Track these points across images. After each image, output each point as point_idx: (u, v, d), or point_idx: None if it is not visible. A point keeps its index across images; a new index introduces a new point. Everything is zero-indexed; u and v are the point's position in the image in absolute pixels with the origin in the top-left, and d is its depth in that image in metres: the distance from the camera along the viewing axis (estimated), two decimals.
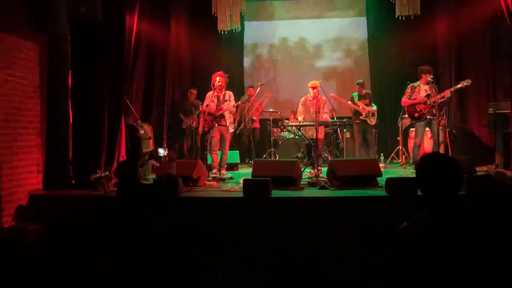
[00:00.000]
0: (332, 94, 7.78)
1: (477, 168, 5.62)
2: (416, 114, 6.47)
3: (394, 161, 7.90)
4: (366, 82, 8.57)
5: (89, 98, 5.56)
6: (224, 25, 7.54)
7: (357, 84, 7.83)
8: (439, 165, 1.84)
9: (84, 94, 5.57)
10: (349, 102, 7.77)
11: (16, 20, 4.87)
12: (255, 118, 8.54)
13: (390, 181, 4.62)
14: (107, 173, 5.12)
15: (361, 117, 7.61)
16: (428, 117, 6.40)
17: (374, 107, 7.69)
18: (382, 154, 8.18)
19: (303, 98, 6.93)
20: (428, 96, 6.36)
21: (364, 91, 7.80)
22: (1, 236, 4.45)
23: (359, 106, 7.63)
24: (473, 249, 1.70)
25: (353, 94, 7.81)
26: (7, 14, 4.72)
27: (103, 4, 5.34)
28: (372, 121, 7.66)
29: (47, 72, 5.36)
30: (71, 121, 5.63)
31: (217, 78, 6.35)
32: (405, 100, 6.63)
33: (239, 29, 7.77)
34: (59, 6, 5.31)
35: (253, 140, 8.40)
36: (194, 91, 8.19)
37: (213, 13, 7.57)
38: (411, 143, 7.63)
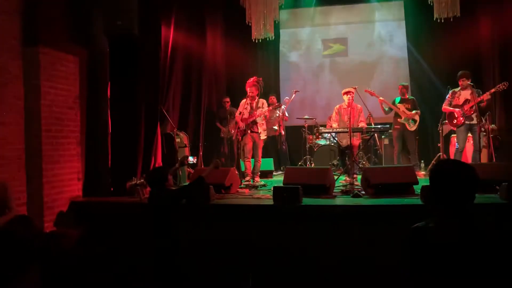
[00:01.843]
0: (367, 89, 7.54)
1: None
2: (455, 121, 6.37)
3: None
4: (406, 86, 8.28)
5: (127, 108, 5.75)
6: (259, 33, 7.63)
7: (400, 86, 7.60)
8: (452, 172, 1.82)
9: (122, 105, 5.78)
10: (381, 98, 7.37)
11: (57, 35, 5.13)
12: (276, 127, 8.49)
13: (425, 189, 4.45)
14: (142, 180, 5.25)
15: (399, 120, 7.34)
16: (466, 122, 6.23)
17: (414, 111, 7.36)
18: (422, 161, 7.90)
19: (337, 106, 6.85)
20: (466, 101, 6.19)
21: (407, 96, 7.55)
22: (42, 241, 4.66)
23: (398, 108, 7.36)
24: (480, 255, 1.69)
25: (395, 98, 7.55)
26: (49, 30, 4.99)
27: (139, 17, 5.51)
28: (412, 127, 7.33)
29: (87, 83, 5.61)
30: (110, 131, 5.86)
31: (248, 89, 6.41)
32: (445, 107, 6.57)
33: (273, 37, 7.81)
34: (97, 20, 5.54)
35: (284, 148, 8.39)
36: (228, 99, 8.32)
37: (247, 22, 7.66)
38: (452, 149, 7.34)
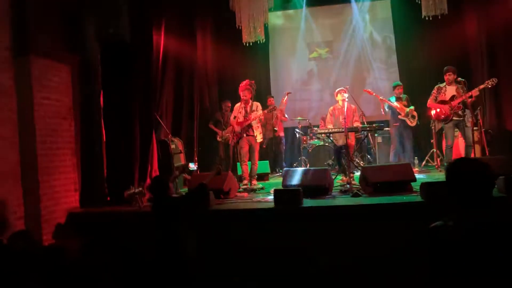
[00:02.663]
0: (365, 89, 7.60)
1: None
2: (442, 116, 6.40)
3: (429, 164, 7.69)
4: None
5: (120, 116, 5.70)
6: (249, 37, 7.62)
7: (394, 86, 7.66)
8: (469, 170, 1.84)
9: (116, 113, 5.72)
10: (381, 97, 7.43)
11: (49, 43, 5.05)
12: (276, 128, 8.50)
13: (424, 186, 4.49)
14: (140, 189, 5.19)
15: (400, 117, 7.35)
16: (454, 118, 6.27)
17: (412, 107, 7.43)
18: (416, 158, 7.97)
19: (331, 108, 6.88)
20: (452, 97, 6.24)
21: (401, 95, 7.58)
22: (42, 254, 4.58)
23: (397, 105, 7.38)
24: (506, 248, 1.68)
25: (390, 98, 7.61)
26: (40, 38, 4.91)
27: (130, 24, 5.48)
28: (412, 122, 7.33)
29: (80, 92, 5.53)
30: (104, 139, 5.79)
31: (241, 93, 6.40)
32: (430, 102, 6.57)
33: (264, 40, 7.81)
34: (88, 28, 5.48)
35: (281, 149, 8.39)
36: (229, 104, 8.27)
37: (237, 26, 7.66)
38: (445, 145, 7.40)
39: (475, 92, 6.22)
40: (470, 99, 6.26)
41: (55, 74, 5.15)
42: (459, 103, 6.24)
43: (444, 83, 6.49)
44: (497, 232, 1.71)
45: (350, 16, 9.85)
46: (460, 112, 6.25)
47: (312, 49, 10.06)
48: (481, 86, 6.21)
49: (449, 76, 6.40)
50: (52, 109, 5.06)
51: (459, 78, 6.41)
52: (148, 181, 5.51)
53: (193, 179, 5.89)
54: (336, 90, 6.87)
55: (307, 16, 9.99)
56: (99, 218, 5.02)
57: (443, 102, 6.41)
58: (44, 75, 4.97)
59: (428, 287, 1.84)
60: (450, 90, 6.38)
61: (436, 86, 6.57)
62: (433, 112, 6.51)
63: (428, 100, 6.59)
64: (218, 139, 8.17)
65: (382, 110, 7.56)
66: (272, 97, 8.74)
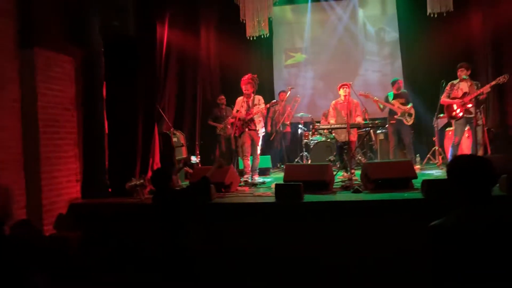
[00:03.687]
0: (360, 92, 7.60)
1: None
2: (454, 113, 6.33)
3: (431, 162, 7.69)
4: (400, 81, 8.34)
5: (123, 108, 5.71)
6: (253, 31, 7.60)
7: (392, 82, 7.65)
8: (471, 167, 1.84)
9: (118, 105, 5.73)
10: (375, 98, 7.39)
11: (53, 36, 5.06)
12: (287, 123, 8.51)
13: (426, 183, 4.50)
14: (141, 181, 5.22)
15: (396, 117, 7.35)
16: (465, 115, 6.23)
17: (410, 105, 7.43)
18: (417, 155, 7.96)
19: (333, 102, 6.87)
20: (465, 94, 6.19)
21: (400, 90, 7.59)
22: (43, 244, 4.61)
23: (393, 105, 7.37)
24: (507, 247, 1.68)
25: (388, 93, 7.61)
26: (45, 31, 4.92)
27: (134, 17, 5.47)
28: (409, 121, 7.35)
29: (83, 84, 5.54)
30: (107, 131, 5.81)
31: (243, 87, 6.39)
32: (443, 99, 6.50)
33: (268, 34, 7.79)
34: (92, 20, 5.48)
35: (284, 145, 8.38)
36: (223, 97, 8.32)
37: (241, 20, 7.64)
38: (447, 143, 7.39)
39: (486, 89, 6.14)
40: (481, 96, 6.21)
41: (58, 66, 5.16)
42: (471, 100, 6.16)
43: (458, 80, 6.43)
44: (498, 231, 1.71)
45: (353, 12, 9.80)
46: (471, 110, 6.20)
47: (314, 45, 10.03)
48: (493, 83, 6.12)
49: (461, 72, 6.31)
50: (55, 100, 5.08)
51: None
52: (150, 173, 5.53)
53: (195, 172, 5.90)
54: (339, 85, 6.86)
55: (311, 11, 9.95)
56: (100, 209, 5.05)
57: (455, 99, 6.37)
58: (48, 67, 4.98)
59: (430, 286, 1.84)
60: (463, 87, 6.32)
61: (450, 82, 6.51)
62: (454, 106, 6.38)
63: (442, 97, 6.54)
64: (218, 132, 8.19)
65: (378, 109, 7.55)
66: (284, 91, 8.67)
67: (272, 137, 8.20)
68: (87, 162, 5.56)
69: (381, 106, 7.44)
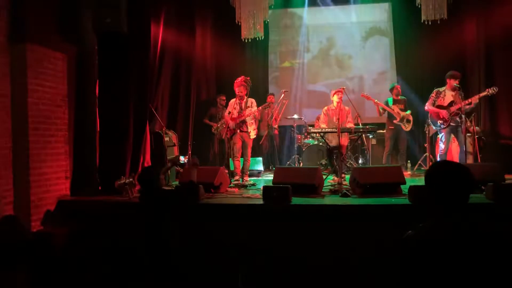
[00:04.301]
0: (362, 93, 7.62)
1: (507, 176, 5.41)
2: (440, 121, 6.30)
3: (422, 168, 7.72)
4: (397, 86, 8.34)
5: (115, 106, 5.71)
6: (248, 33, 7.64)
7: (391, 88, 7.68)
8: (447, 173, 1.84)
9: (111, 103, 5.73)
10: (376, 100, 7.44)
11: (46, 31, 5.07)
12: (275, 126, 8.52)
13: (413, 189, 4.52)
14: (131, 179, 5.22)
15: (395, 122, 7.38)
16: (451, 124, 6.23)
17: (408, 112, 7.47)
18: (409, 161, 8.00)
19: (325, 108, 6.90)
20: (451, 103, 6.19)
21: (399, 97, 7.60)
22: (29, 240, 4.60)
23: (393, 109, 7.39)
24: (480, 255, 1.68)
25: (388, 99, 7.64)
26: (37, 27, 4.92)
27: (128, 14, 5.46)
28: (407, 127, 7.38)
29: (75, 81, 5.55)
30: (98, 129, 5.80)
31: (236, 89, 6.41)
32: (428, 106, 6.45)
33: (263, 37, 7.82)
34: (86, 18, 5.48)
35: (274, 148, 8.42)
36: (224, 97, 8.33)
37: (237, 22, 7.66)
38: (438, 150, 7.42)
39: (475, 99, 6.14)
40: (468, 106, 6.21)
41: (51, 62, 5.17)
42: (457, 109, 6.17)
43: (444, 88, 6.36)
44: (470, 242, 1.70)
45: (348, 17, 9.84)
46: (457, 118, 6.20)
47: (309, 49, 10.05)
48: (482, 94, 6.14)
49: (454, 82, 6.23)
50: (46, 96, 5.08)
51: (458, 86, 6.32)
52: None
53: (184, 172, 5.91)
54: (333, 91, 6.89)
55: (307, 16, 9.98)
56: (89, 206, 5.03)
57: (440, 107, 6.32)
58: (40, 63, 4.99)
59: None
60: (449, 95, 6.29)
61: (435, 89, 6.45)
62: (433, 113, 6.38)
63: (426, 104, 6.48)
64: (213, 131, 8.22)
65: (378, 113, 7.58)
66: (272, 94, 8.75)
67: (261, 141, 8.21)
68: (77, 159, 5.56)
69: (381, 110, 7.48)
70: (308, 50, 10.03)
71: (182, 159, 6.04)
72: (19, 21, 4.74)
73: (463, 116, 6.22)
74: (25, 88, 4.77)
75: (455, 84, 6.22)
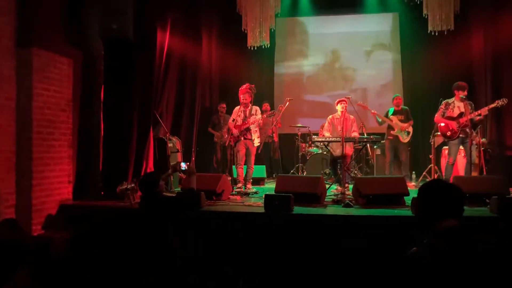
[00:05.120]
0: (359, 102, 7.59)
1: None
2: (449, 133, 6.23)
3: (427, 179, 7.65)
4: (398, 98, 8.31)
5: (120, 111, 5.74)
6: (254, 41, 7.66)
7: (395, 97, 7.65)
8: (438, 192, 1.87)
9: (115, 108, 5.76)
10: (373, 110, 7.40)
11: (52, 36, 5.10)
12: (271, 134, 8.50)
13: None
14: (132, 185, 5.22)
15: (392, 132, 7.37)
16: (461, 135, 6.17)
17: (409, 122, 7.38)
18: (414, 172, 7.93)
19: (330, 117, 6.87)
20: (461, 114, 6.14)
21: (401, 107, 7.57)
22: (29, 245, 4.60)
23: (391, 120, 7.38)
24: (477, 274, 1.67)
25: (389, 109, 7.60)
26: (44, 31, 4.96)
27: (134, 21, 5.50)
28: (405, 138, 7.35)
29: (80, 86, 5.58)
30: (102, 134, 5.82)
31: (241, 96, 6.41)
32: (438, 117, 6.39)
33: (269, 45, 7.83)
34: (92, 23, 5.52)
35: (277, 154, 8.41)
36: (224, 105, 8.35)
37: (243, 30, 7.68)
38: (443, 161, 7.36)
39: (484, 111, 6.08)
40: (478, 117, 6.17)
41: (56, 67, 5.19)
42: (467, 121, 6.12)
43: (453, 99, 6.33)
44: (467, 261, 1.69)
45: (353, 27, 9.84)
46: (467, 130, 6.16)
47: (315, 57, 10.05)
48: (491, 106, 6.07)
49: (462, 93, 6.19)
50: (51, 100, 5.10)
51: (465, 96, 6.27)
52: None
53: (185, 180, 5.90)
54: (337, 100, 6.87)
55: (313, 24, 9.99)
56: (90, 211, 5.05)
57: (450, 118, 6.26)
58: (45, 67, 5.01)
59: None
60: (459, 107, 6.24)
61: (444, 101, 6.41)
62: (442, 124, 6.33)
63: (436, 115, 6.44)
64: (215, 140, 8.22)
65: (376, 122, 7.55)
66: (267, 102, 8.77)
67: (259, 149, 8.17)
68: (80, 164, 5.58)
69: (379, 120, 7.45)
70: (313, 59, 10.03)
71: (183, 165, 6.03)
72: (26, 26, 4.78)
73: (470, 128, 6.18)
74: (30, 92, 4.80)
75: (462, 96, 6.17)
